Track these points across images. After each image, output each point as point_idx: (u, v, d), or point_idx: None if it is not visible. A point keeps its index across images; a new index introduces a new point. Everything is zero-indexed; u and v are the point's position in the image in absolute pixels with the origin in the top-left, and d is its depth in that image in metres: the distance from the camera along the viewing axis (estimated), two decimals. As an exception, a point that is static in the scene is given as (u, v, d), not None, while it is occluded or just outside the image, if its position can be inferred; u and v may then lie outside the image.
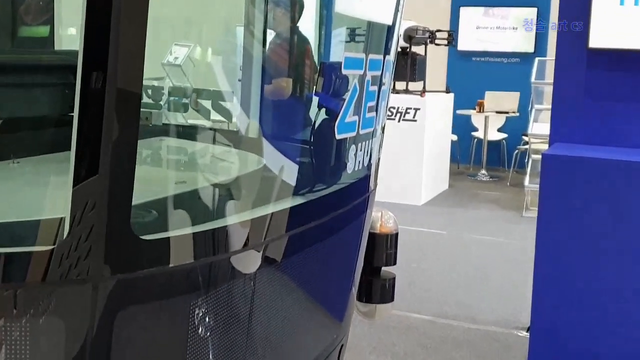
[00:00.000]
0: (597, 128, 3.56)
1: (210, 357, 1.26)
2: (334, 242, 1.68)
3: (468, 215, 6.81)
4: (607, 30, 3.42)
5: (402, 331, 3.92)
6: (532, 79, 7.79)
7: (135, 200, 1.07)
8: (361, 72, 1.60)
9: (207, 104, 2.52)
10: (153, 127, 2.17)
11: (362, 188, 1.79)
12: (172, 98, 2.66)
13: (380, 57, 1.80)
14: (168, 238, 1.18)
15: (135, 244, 1.07)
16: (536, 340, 3.48)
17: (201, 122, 2.56)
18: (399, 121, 7.23)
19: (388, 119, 7.63)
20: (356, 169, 1.66)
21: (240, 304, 1.35)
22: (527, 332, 3.96)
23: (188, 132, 2.37)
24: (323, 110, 1.59)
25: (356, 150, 1.63)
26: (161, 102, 2.58)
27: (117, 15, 0.94)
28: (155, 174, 1.71)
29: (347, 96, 1.56)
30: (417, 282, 4.76)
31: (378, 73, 1.74)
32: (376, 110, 1.77)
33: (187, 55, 2.98)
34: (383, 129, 1.95)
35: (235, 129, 2.37)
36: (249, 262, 1.34)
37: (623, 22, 3.41)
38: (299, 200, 1.54)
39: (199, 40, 2.99)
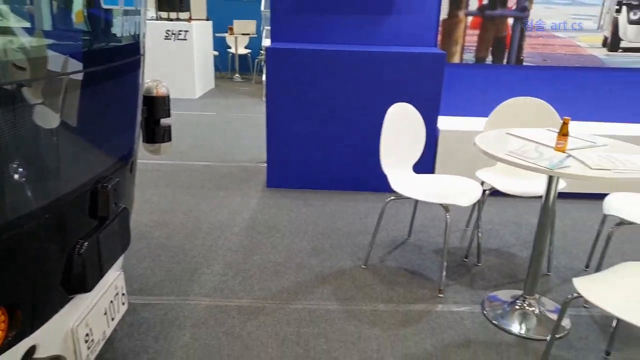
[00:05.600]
0: (299, 32, 3.61)
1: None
2: (120, 84, 1.54)
3: (229, 103, 6.69)
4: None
5: (187, 173, 3.92)
6: (262, 9, 7.71)
7: None
8: None
9: None
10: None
11: (135, 48, 1.64)
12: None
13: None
14: None
15: None
16: (270, 168, 3.61)
17: None
18: (174, 40, 6.66)
19: (166, 39, 7.03)
20: (124, 34, 1.51)
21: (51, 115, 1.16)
22: (265, 164, 4.17)
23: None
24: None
25: (122, 20, 1.48)
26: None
27: None
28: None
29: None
30: (198, 144, 4.69)
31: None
32: None
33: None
34: (145, 12, 1.79)
35: None
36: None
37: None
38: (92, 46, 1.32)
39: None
